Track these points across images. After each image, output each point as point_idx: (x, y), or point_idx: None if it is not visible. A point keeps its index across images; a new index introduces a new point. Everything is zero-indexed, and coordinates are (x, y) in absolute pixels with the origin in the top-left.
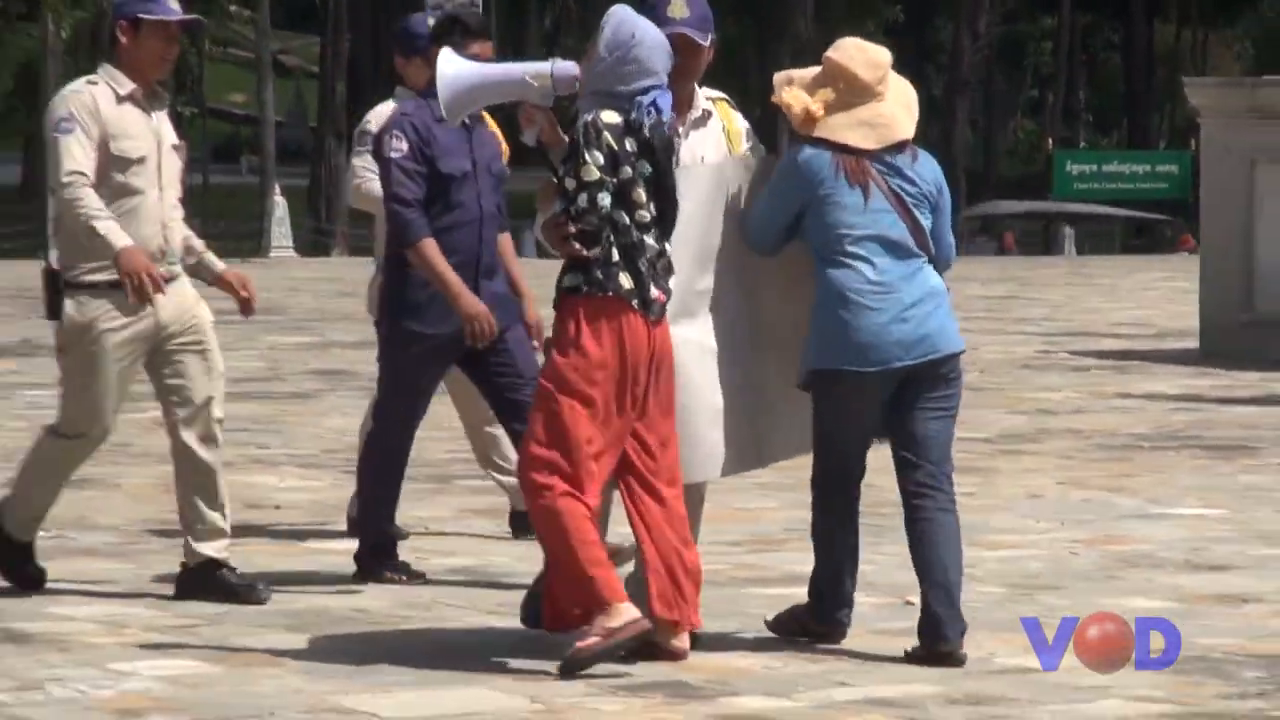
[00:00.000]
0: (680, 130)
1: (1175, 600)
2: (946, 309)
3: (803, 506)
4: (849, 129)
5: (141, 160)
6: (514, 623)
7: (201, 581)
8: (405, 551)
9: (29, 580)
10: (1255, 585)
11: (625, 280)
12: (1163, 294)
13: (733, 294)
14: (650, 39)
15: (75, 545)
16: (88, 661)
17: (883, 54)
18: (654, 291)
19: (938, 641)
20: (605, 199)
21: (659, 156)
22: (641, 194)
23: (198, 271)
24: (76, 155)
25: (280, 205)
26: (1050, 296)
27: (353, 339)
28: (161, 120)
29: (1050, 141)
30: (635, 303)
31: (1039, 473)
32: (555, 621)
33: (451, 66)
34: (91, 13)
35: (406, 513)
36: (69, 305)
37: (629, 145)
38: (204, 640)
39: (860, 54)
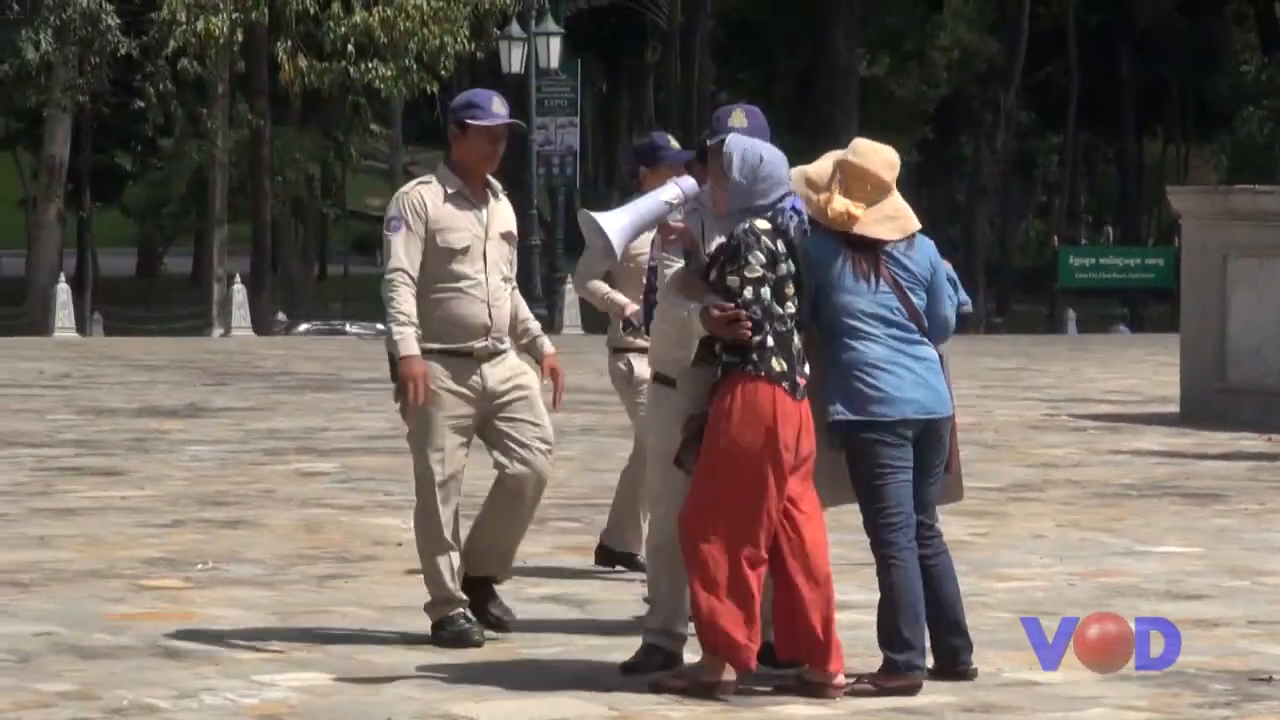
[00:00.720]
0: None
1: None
2: (941, 377)
3: (846, 545)
4: (877, 224)
5: (465, 250)
6: (594, 641)
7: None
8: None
9: (479, 631)
10: (1225, 612)
11: (777, 364)
12: (1149, 367)
13: None
14: (774, 157)
15: (228, 576)
16: (235, 674)
17: (894, 154)
18: (798, 376)
19: (956, 665)
20: (766, 293)
21: (798, 256)
22: (790, 290)
23: (530, 350)
24: (399, 253)
25: None
26: (1054, 369)
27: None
28: (492, 211)
29: (1056, 239)
30: (785, 385)
31: (1043, 516)
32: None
33: (612, 217)
34: (248, 132)
35: None
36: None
37: (780, 246)
38: (334, 657)
39: (878, 156)
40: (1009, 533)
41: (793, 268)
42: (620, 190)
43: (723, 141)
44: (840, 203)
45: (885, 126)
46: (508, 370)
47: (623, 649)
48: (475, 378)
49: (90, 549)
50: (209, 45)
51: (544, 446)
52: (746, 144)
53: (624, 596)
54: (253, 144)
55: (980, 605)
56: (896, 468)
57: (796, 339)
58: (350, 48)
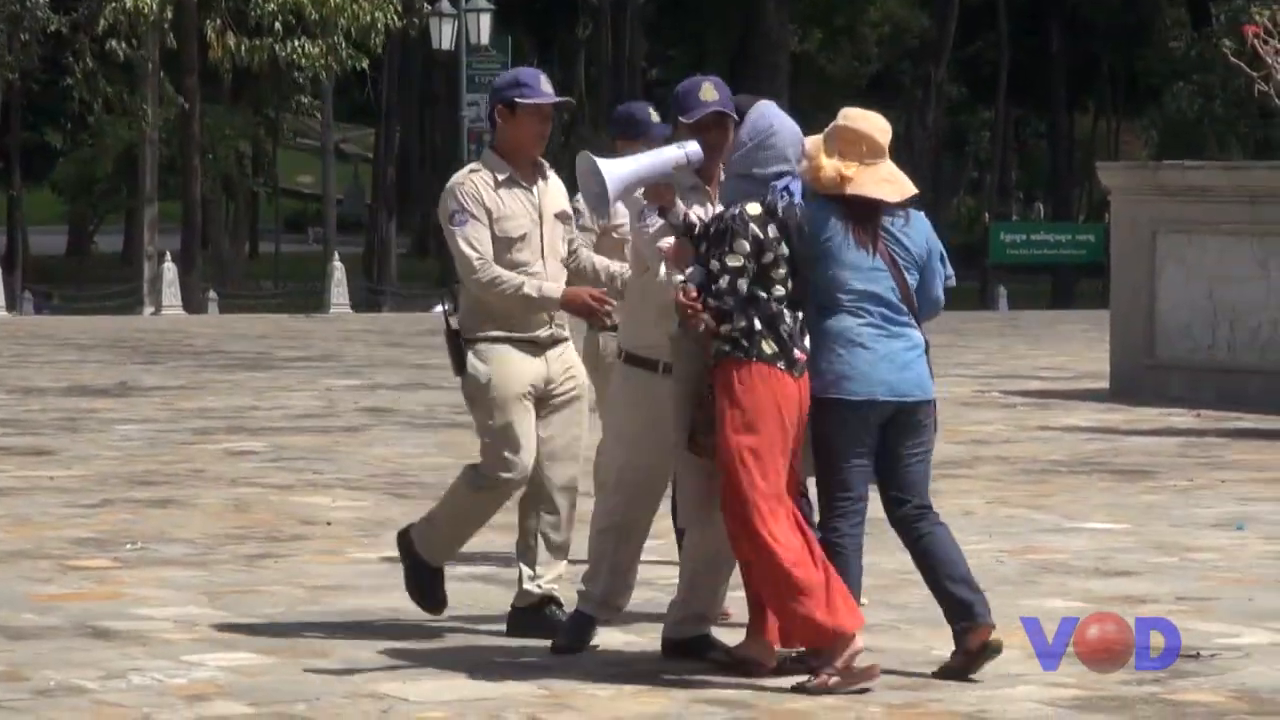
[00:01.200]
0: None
1: (1085, 601)
2: (924, 361)
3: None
4: (875, 186)
5: (523, 237)
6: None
7: (533, 620)
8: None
9: (437, 602)
10: (1153, 588)
11: (768, 346)
12: (1079, 343)
13: None
14: (787, 131)
15: (156, 556)
16: (163, 654)
17: (884, 120)
18: (796, 353)
19: (973, 618)
20: (744, 284)
21: (793, 237)
22: (781, 272)
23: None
24: (473, 244)
25: (339, 269)
26: (985, 345)
27: (396, 381)
28: (543, 192)
29: (987, 215)
30: (780, 365)
31: (972, 493)
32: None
33: (613, 164)
34: (175, 111)
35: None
36: (471, 358)
37: (770, 231)
38: (262, 636)
39: (869, 120)
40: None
41: (785, 250)
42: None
43: (718, 113)
44: (830, 165)
45: (817, 102)
46: (564, 365)
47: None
48: (540, 364)
49: (18, 529)
50: (139, 23)
51: (571, 454)
52: (766, 110)
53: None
54: (182, 122)
55: (909, 582)
56: (856, 450)
57: (788, 317)
58: (278, 25)
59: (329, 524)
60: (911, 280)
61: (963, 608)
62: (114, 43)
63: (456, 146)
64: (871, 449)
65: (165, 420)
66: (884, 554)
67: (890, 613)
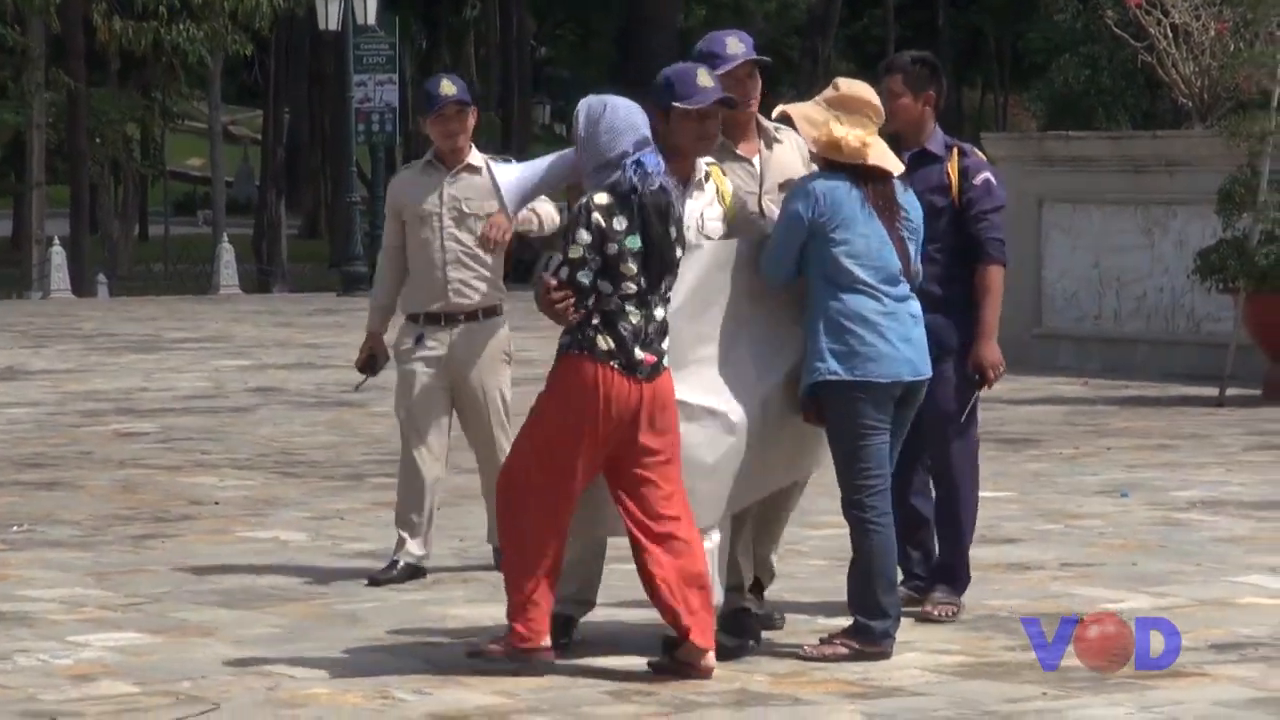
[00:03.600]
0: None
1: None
2: (925, 334)
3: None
4: (885, 157)
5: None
6: (412, 596)
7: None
8: (322, 540)
9: None
10: (1037, 555)
11: (603, 343)
12: None
13: (742, 352)
14: (620, 106)
15: (43, 538)
16: (50, 635)
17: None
18: (639, 354)
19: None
20: (585, 276)
21: (652, 225)
22: (631, 267)
23: None
24: None
25: (228, 250)
26: None
27: (285, 361)
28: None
29: None
30: (615, 364)
31: None
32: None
33: (511, 171)
34: (63, 94)
35: (326, 505)
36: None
37: (618, 223)
38: (149, 616)
39: (868, 91)
40: (825, 480)
41: (636, 243)
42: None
43: (749, 62)
44: (851, 134)
45: None
46: None
47: (439, 602)
48: None
49: None
50: (25, 7)
51: None
52: (592, 99)
53: (440, 550)
54: (70, 106)
55: (795, 554)
56: (879, 428)
57: (636, 315)
58: (163, 9)
59: (216, 504)
60: (912, 250)
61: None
62: (2, 28)
63: (344, 127)
64: (889, 426)
65: (53, 403)
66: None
67: (777, 583)
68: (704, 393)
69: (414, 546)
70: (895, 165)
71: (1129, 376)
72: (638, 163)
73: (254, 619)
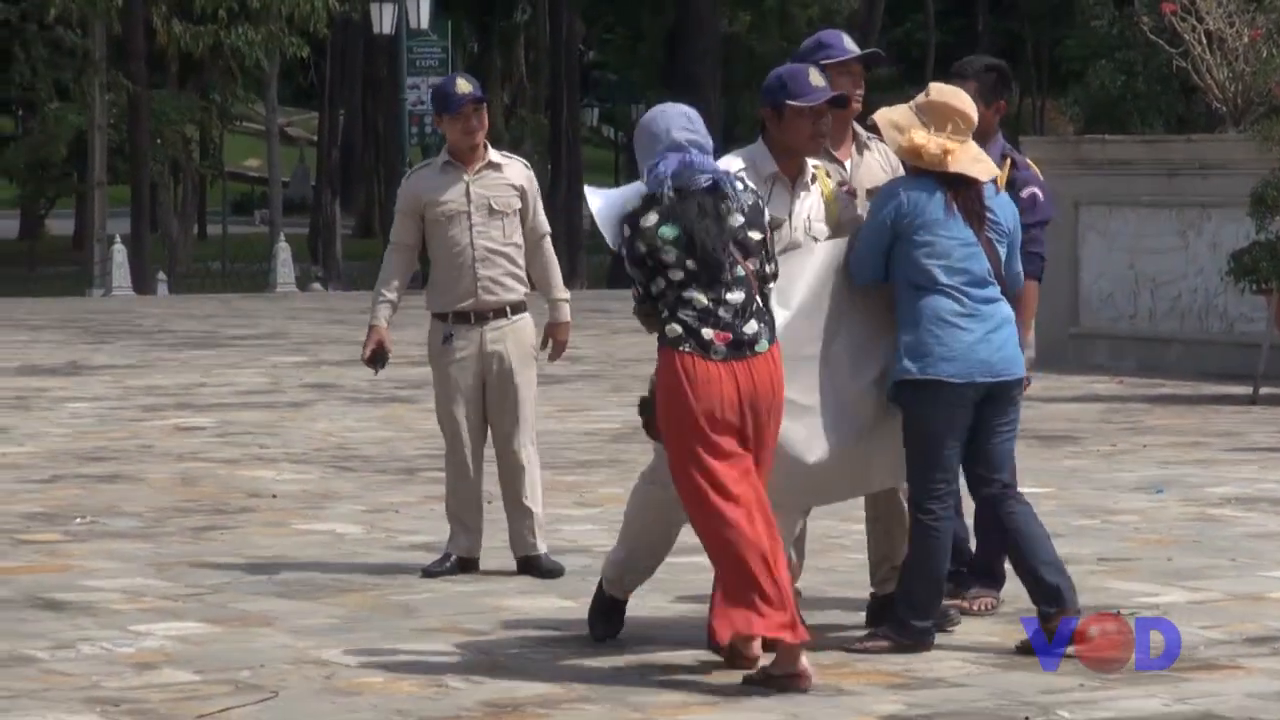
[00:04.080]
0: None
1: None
2: (1015, 338)
3: None
4: (970, 164)
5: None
6: (464, 588)
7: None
8: (377, 532)
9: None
10: (1075, 550)
11: (671, 330)
12: None
13: (844, 348)
14: (659, 113)
15: (105, 529)
16: (112, 625)
17: (970, 98)
18: (707, 333)
19: (1059, 604)
20: (648, 281)
21: (690, 213)
22: (670, 255)
23: None
24: None
25: (285, 249)
26: None
27: (340, 358)
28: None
29: None
30: (686, 347)
31: None
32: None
33: (597, 199)
34: (123, 96)
35: (380, 499)
36: None
37: (646, 220)
38: (209, 606)
39: (960, 97)
40: None
41: (671, 232)
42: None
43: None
44: (933, 140)
45: (748, 84)
46: None
47: (492, 594)
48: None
49: None
50: (87, 11)
51: None
52: (646, 114)
53: (493, 543)
54: (131, 108)
55: (838, 547)
56: (953, 432)
57: (703, 298)
58: (222, 12)
59: (274, 497)
60: (1002, 253)
61: (1051, 591)
62: (62, 30)
63: (398, 128)
64: (966, 429)
65: (115, 398)
66: (810, 517)
67: (819, 576)
68: (806, 391)
69: (466, 540)
70: (984, 172)
71: (1164, 375)
72: (656, 169)
73: (311, 609)
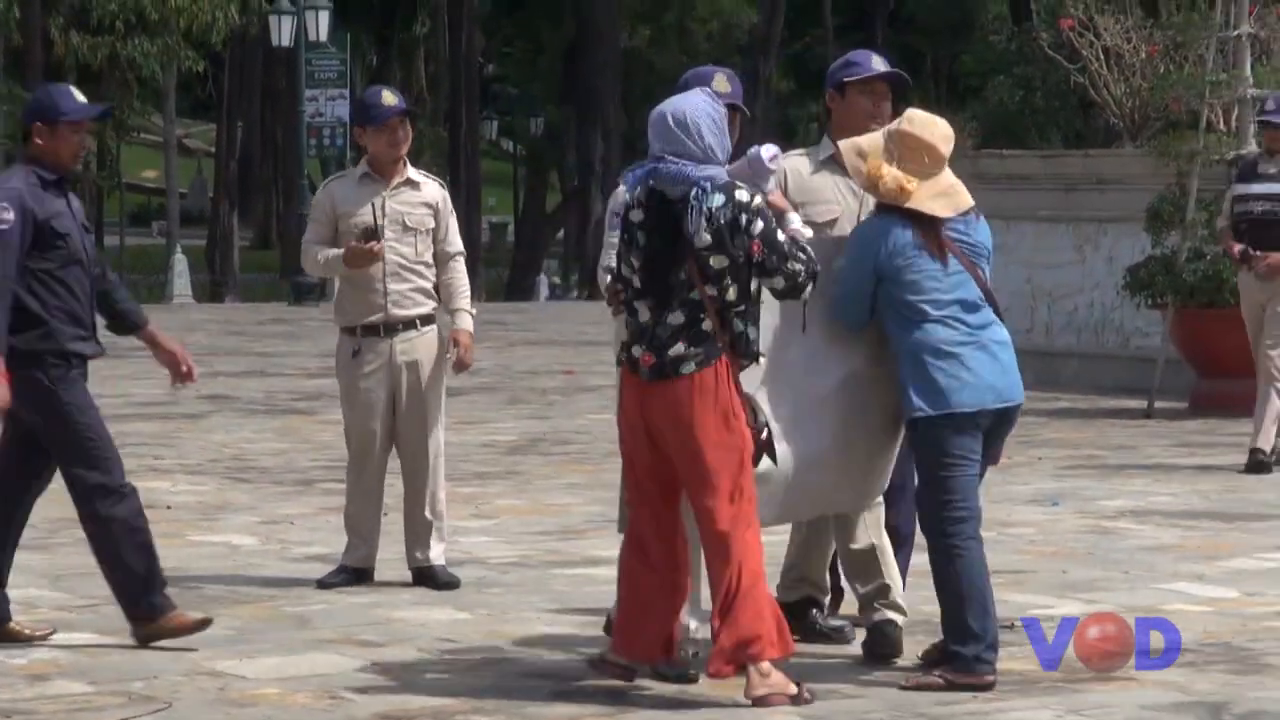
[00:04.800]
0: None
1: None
2: (1015, 361)
3: (602, 502)
4: (932, 200)
5: (831, 223)
6: (359, 599)
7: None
8: (272, 544)
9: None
10: None
11: (617, 344)
12: None
13: (827, 365)
14: (657, 112)
15: None
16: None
17: (948, 127)
18: (636, 351)
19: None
20: (610, 260)
21: (654, 226)
22: (634, 262)
23: None
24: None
25: (181, 261)
26: None
27: (237, 370)
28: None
29: None
30: (623, 359)
31: None
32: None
33: None
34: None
35: (276, 510)
36: None
37: (634, 216)
38: (102, 618)
39: (936, 128)
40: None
41: (643, 239)
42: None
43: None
44: (891, 176)
45: (648, 97)
46: None
47: (387, 605)
48: None
49: None
50: None
51: None
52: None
53: (388, 555)
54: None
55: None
56: (968, 459)
57: (646, 313)
58: (119, 24)
59: (169, 508)
60: (986, 270)
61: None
62: None
63: (296, 140)
64: (979, 455)
65: None
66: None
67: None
68: (792, 407)
69: (362, 550)
70: (946, 207)
71: (1060, 389)
72: (633, 179)
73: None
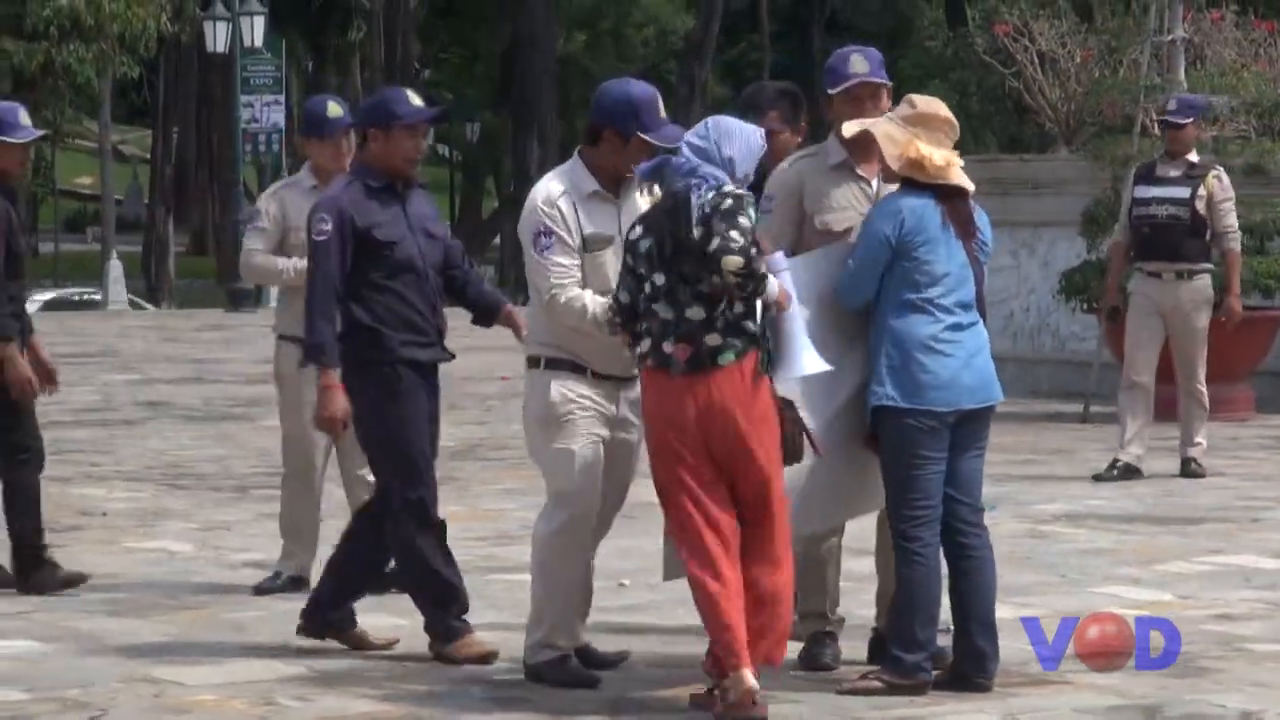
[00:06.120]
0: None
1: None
2: (991, 361)
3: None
4: (961, 174)
5: (848, 231)
6: (296, 605)
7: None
8: (208, 550)
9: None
10: None
11: (644, 345)
12: None
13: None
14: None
15: None
16: None
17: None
18: (667, 347)
19: (980, 674)
20: (624, 294)
21: (660, 223)
22: (643, 269)
23: None
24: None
25: (117, 267)
26: None
27: (171, 376)
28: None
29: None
30: (650, 362)
31: None
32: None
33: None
34: None
35: (212, 516)
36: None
37: (634, 233)
38: (38, 625)
39: (943, 107)
40: None
41: (646, 244)
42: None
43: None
44: (936, 152)
45: (583, 103)
46: None
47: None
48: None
49: None
50: None
51: None
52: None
53: (323, 560)
54: None
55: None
56: (934, 458)
57: (668, 312)
58: (53, 30)
59: (105, 515)
60: (985, 275)
61: (976, 660)
62: None
63: (232, 147)
64: (945, 454)
65: None
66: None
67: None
68: (822, 415)
69: (301, 557)
70: (969, 183)
71: None
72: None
73: (141, 628)
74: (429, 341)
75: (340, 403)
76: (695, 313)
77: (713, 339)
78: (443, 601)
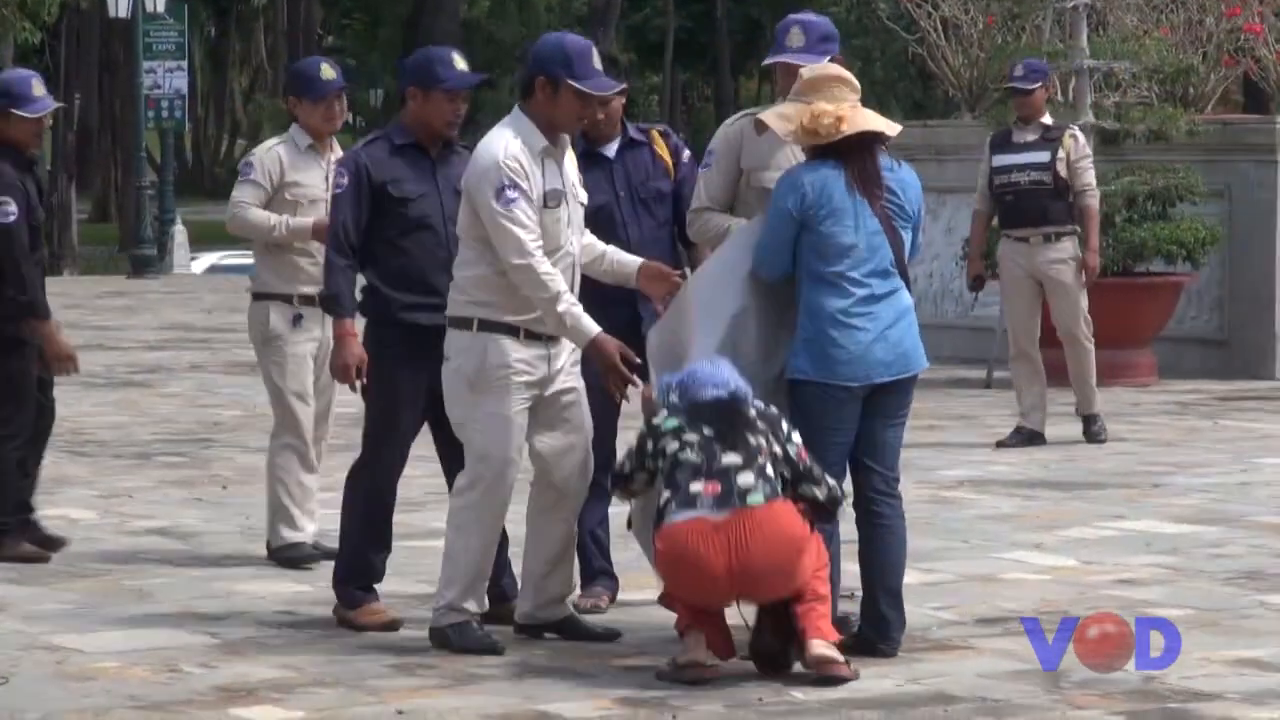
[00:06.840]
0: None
1: None
2: (916, 328)
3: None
4: (870, 120)
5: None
6: (197, 572)
7: None
8: (111, 517)
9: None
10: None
11: (664, 494)
12: None
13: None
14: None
15: None
16: None
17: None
18: (695, 487)
19: (884, 642)
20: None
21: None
22: (670, 445)
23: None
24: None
25: None
26: None
27: (75, 343)
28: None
29: None
30: (673, 506)
31: None
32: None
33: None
34: None
35: (114, 483)
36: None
37: (668, 424)
38: None
39: (830, 68)
40: None
41: (674, 423)
42: (230, 134)
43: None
44: (823, 110)
45: (487, 69)
46: None
47: (226, 578)
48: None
49: None
50: None
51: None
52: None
53: (228, 528)
54: None
55: None
56: (840, 428)
57: (692, 455)
58: None
59: None
60: (905, 238)
61: (880, 626)
62: None
63: (134, 113)
64: (854, 426)
65: None
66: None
67: None
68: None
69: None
70: (888, 126)
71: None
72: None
73: (43, 595)
74: (437, 305)
75: (355, 350)
76: (731, 459)
77: (745, 478)
78: (355, 573)
